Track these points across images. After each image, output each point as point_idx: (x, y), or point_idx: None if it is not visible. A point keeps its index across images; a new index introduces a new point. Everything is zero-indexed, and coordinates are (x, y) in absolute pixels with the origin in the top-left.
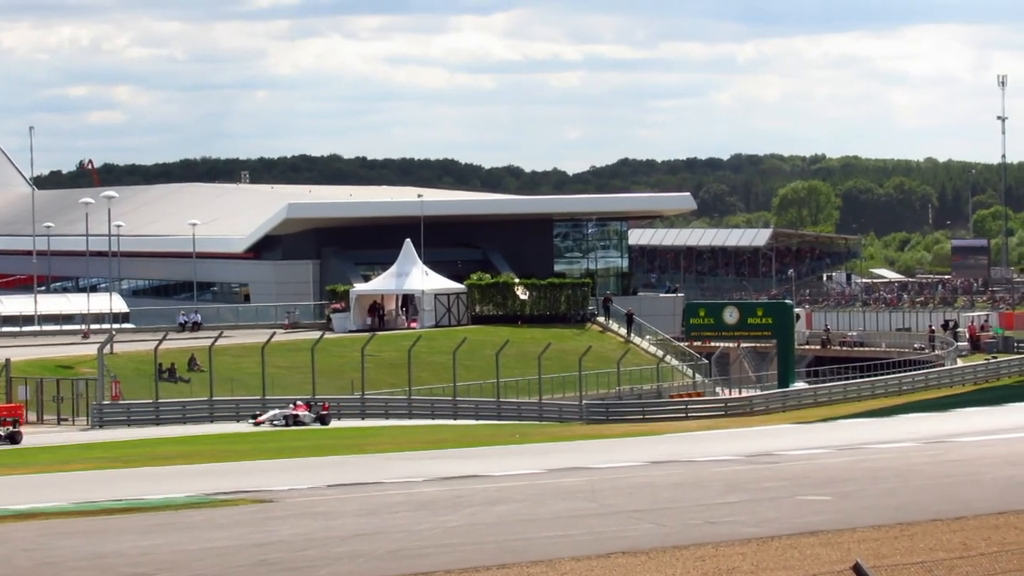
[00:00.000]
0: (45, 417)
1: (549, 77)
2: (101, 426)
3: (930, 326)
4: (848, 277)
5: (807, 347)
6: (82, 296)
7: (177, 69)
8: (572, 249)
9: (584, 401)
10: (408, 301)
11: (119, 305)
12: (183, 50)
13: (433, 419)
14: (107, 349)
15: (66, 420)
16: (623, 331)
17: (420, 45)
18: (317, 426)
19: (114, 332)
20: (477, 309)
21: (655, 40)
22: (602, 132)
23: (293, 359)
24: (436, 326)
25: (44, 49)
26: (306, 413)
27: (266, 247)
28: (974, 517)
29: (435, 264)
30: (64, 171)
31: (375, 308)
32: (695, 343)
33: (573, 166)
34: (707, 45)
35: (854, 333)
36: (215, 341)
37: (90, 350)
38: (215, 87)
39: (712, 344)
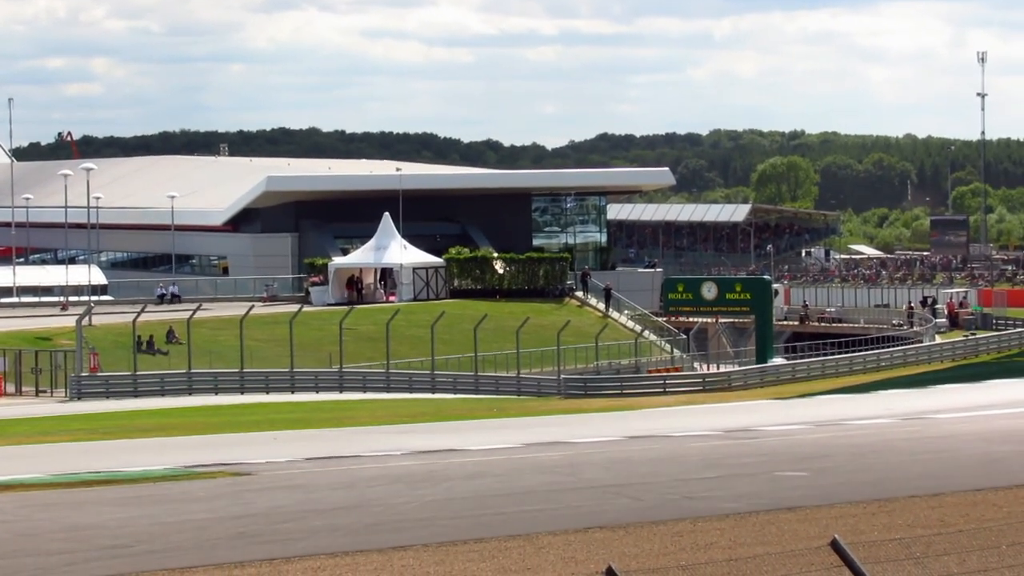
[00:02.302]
0: (23, 389)
1: (526, 52)
2: (79, 398)
3: (909, 302)
4: (827, 253)
5: (785, 323)
6: (61, 268)
7: (153, 41)
8: (551, 223)
9: (562, 375)
10: (387, 275)
11: (98, 277)
12: (159, 22)
13: (411, 393)
14: (85, 321)
15: (44, 392)
16: (601, 306)
17: (396, 19)
18: None
19: (92, 304)
20: (455, 283)
21: (632, 15)
22: (580, 107)
23: (271, 332)
24: (414, 300)
25: (20, 20)
26: None
27: (245, 220)
28: (952, 494)
29: (414, 238)
30: (43, 143)
31: (353, 281)
32: (673, 318)
33: (552, 141)
34: (684, 20)
35: (832, 309)
36: (193, 314)
37: (68, 322)
38: (192, 60)
39: (690, 319)
